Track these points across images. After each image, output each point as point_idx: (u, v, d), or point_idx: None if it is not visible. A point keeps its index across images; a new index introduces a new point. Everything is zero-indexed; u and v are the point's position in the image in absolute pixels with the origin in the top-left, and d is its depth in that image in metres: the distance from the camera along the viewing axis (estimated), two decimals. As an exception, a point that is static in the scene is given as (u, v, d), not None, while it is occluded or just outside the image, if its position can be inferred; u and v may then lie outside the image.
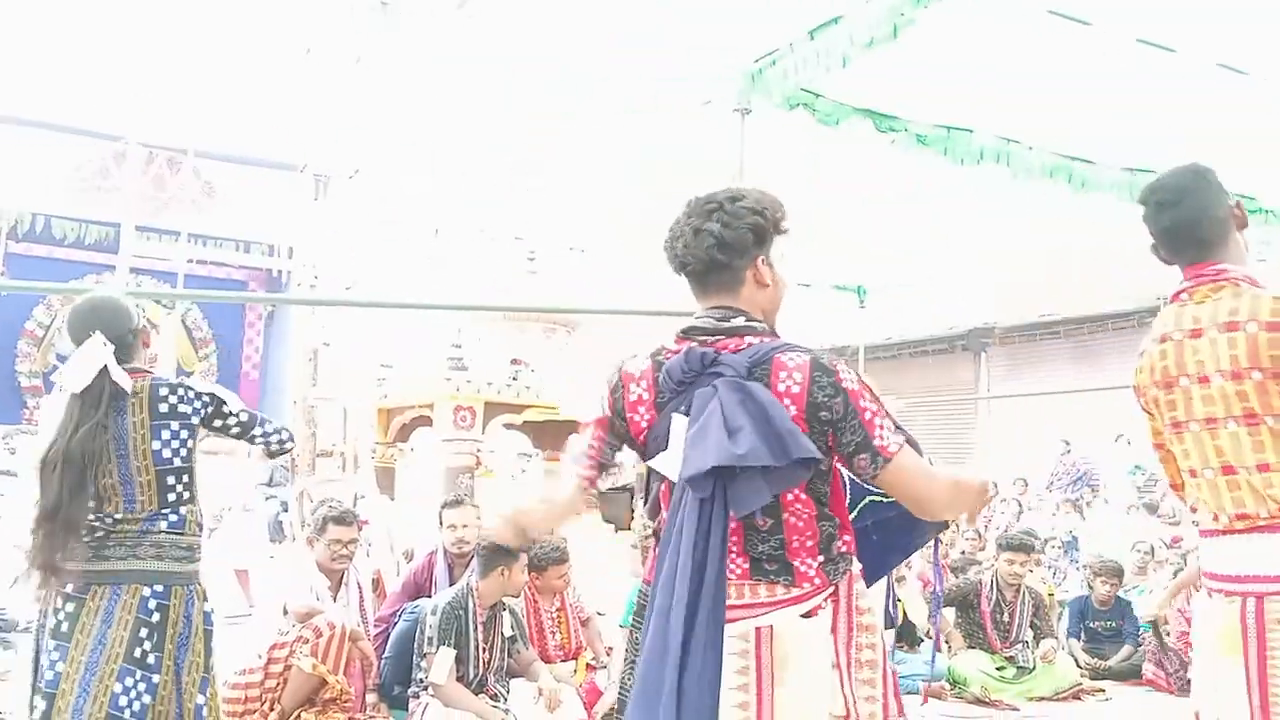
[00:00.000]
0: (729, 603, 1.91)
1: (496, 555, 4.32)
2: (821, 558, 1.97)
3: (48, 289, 13.03)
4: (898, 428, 1.99)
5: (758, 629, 1.92)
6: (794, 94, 5.10)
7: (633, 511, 7.06)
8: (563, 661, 4.90)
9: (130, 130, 10.06)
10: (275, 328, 14.86)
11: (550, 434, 7.87)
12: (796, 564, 1.95)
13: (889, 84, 5.11)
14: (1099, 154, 5.98)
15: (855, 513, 2.20)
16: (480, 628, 4.32)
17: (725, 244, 1.98)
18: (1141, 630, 6.59)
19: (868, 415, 1.92)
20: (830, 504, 2.00)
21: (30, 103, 11.31)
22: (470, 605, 4.32)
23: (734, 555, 1.96)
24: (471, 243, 10.23)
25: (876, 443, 1.91)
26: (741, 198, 2.03)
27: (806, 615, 1.95)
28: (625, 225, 8.60)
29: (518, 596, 4.60)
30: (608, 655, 5.11)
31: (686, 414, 1.91)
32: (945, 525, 2.43)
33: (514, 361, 6.46)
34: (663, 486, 2.05)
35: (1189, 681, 6.10)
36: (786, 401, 1.90)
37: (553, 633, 4.96)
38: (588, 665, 4.95)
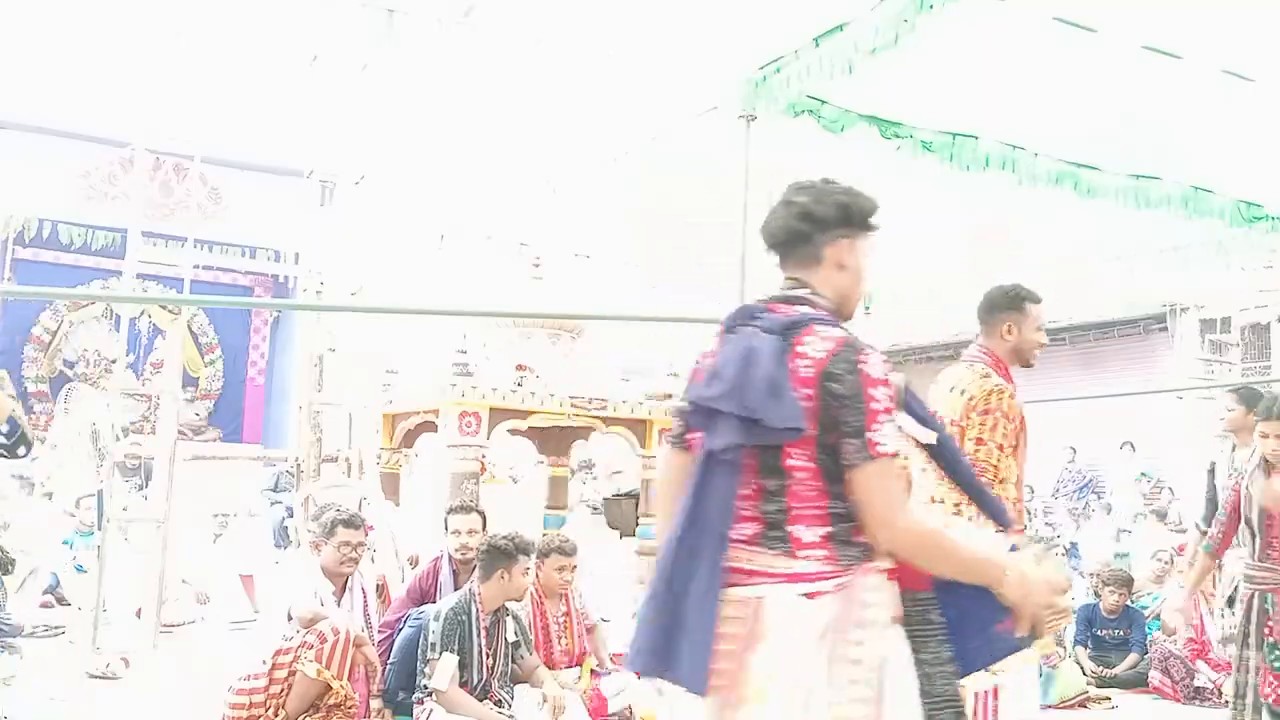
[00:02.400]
0: (734, 565, 1.93)
1: (496, 558, 4.33)
2: (829, 529, 1.93)
3: (54, 294, 13.07)
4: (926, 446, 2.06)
5: (750, 599, 1.92)
6: (799, 100, 5.10)
7: (638, 519, 7.05)
8: (567, 668, 4.89)
9: (137, 136, 10.08)
10: (281, 333, 14.91)
11: (555, 440, 7.87)
12: (795, 530, 1.92)
13: (894, 91, 5.11)
14: (1105, 161, 5.97)
15: None
16: (484, 633, 4.32)
17: (811, 215, 2.07)
18: (1149, 636, 6.56)
19: (874, 405, 1.90)
20: (847, 489, 1.95)
21: (38, 109, 11.37)
22: (473, 611, 4.32)
23: (745, 518, 1.96)
24: (477, 249, 10.24)
25: (869, 435, 1.89)
26: (835, 183, 2.13)
27: (808, 596, 1.90)
28: (631, 231, 8.61)
29: (521, 600, 4.59)
30: (612, 662, 5.10)
31: None
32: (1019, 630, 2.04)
33: (519, 367, 6.45)
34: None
35: (1196, 690, 6.12)
36: (803, 362, 1.92)
37: (559, 637, 4.96)
38: (592, 671, 4.95)
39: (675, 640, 1.87)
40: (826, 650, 1.89)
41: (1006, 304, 3.39)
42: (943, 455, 2.27)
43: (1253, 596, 3.96)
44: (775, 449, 1.92)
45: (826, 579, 1.91)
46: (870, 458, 1.88)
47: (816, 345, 1.93)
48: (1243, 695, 3.98)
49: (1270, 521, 3.90)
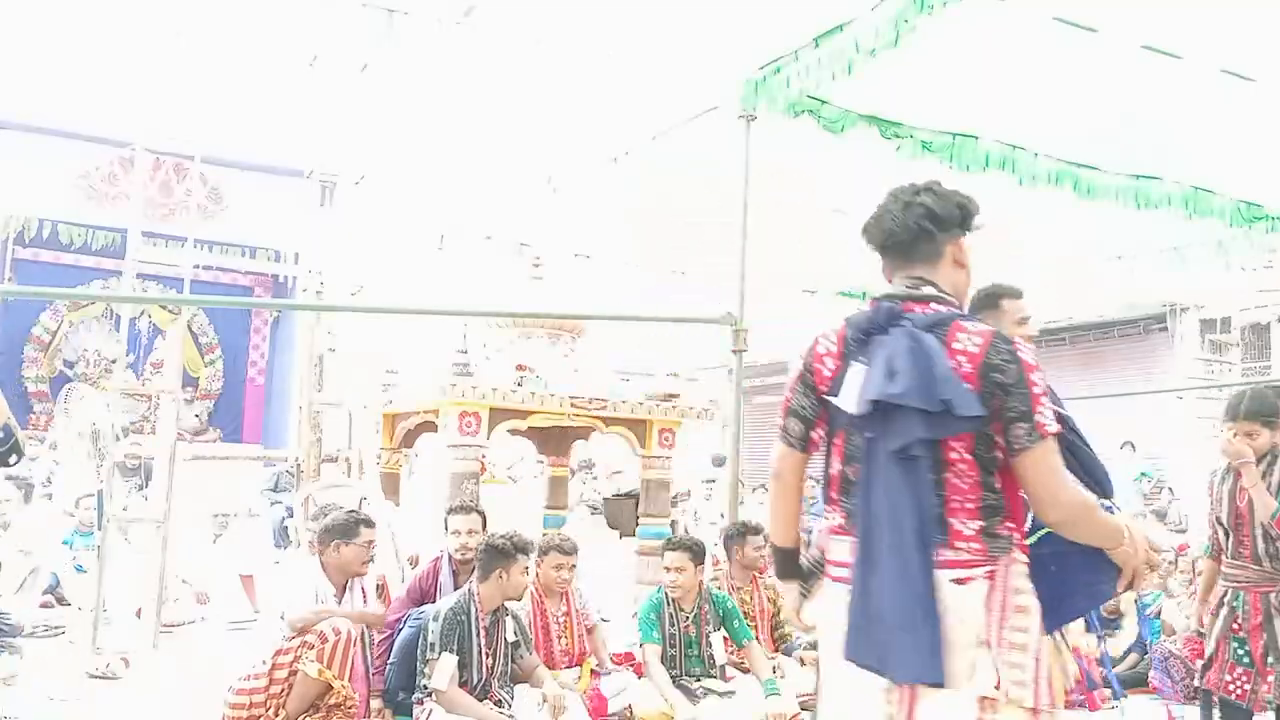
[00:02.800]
0: None
1: (494, 558, 4.33)
2: (981, 523, 2.02)
3: (54, 294, 13.07)
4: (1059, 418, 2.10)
5: None
6: (799, 100, 5.11)
7: (638, 519, 7.04)
8: (567, 668, 4.89)
9: (137, 136, 10.08)
10: (281, 333, 14.90)
11: (554, 440, 7.87)
12: (954, 522, 2.01)
13: (894, 91, 5.11)
14: (1105, 161, 5.97)
15: (1034, 539, 2.20)
16: (483, 633, 4.32)
17: (935, 215, 2.15)
18: (1153, 641, 6.56)
19: (1036, 389, 2.00)
20: (997, 476, 2.04)
21: (38, 109, 11.36)
22: (473, 610, 4.31)
23: None
24: (477, 249, 10.24)
25: (1037, 417, 1.99)
26: (942, 185, 2.22)
27: (958, 582, 2.00)
28: (630, 231, 8.61)
29: (519, 600, 4.59)
30: (613, 662, 5.10)
31: (865, 364, 2.06)
32: (1117, 571, 2.28)
33: (519, 367, 6.45)
34: (835, 440, 2.19)
35: (1196, 690, 6.12)
36: (961, 359, 2.01)
37: (559, 637, 4.95)
38: (592, 671, 4.94)
39: (918, 640, 1.93)
40: (981, 635, 1.98)
41: (980, 304, 3.39)
42: (1069, 429, 2.39)
43: (1225, 593, 3.99)
44: (935, 443, 2.00)
45: (976, 567, 2.01)
46: (1040, 438, 1.98)
47: (969, 341, 2.02)
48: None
49: (1241, 521, 3.92)
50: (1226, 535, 4.00)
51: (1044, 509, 2.04)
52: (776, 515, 2.37)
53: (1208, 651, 4.02)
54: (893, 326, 2.06)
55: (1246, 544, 3.92)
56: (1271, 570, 3.85)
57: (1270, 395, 4.07)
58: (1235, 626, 3.92)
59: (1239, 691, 3.87)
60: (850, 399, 2.05)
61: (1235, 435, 3.89)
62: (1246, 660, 3.86)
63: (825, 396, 2.16)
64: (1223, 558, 4.07)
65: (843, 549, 2.12)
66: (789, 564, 2.39)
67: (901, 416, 1.96)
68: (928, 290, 2.14)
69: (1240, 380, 11.49)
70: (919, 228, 2.15)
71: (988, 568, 2.01)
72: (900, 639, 1.93)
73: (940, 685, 1.94)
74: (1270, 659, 3.81)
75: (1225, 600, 3.99)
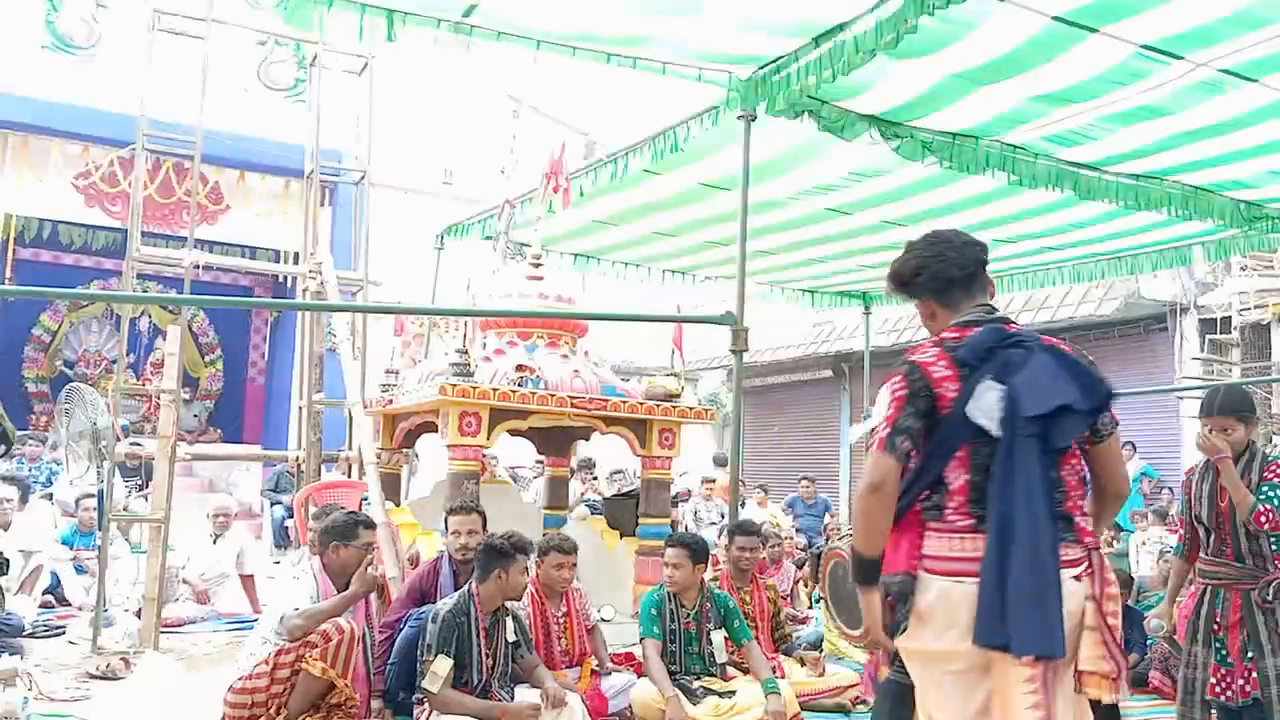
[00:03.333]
0: None
1: (493, 559, 4.33)
2: (1090, 517, 2.38)
3: (54, 294, 13.07)
4: None
5: None
6: (799, 100, 5.10)
7: (638, 518, 7.04)
8: (567, 668, 4.89)
9: (137, 136, 10.07)
10: (281, 333, 14.92)
11: (555, 440, 7.86)
12: (1077, 519, 2.35)
13: (894, 91, 5.11)
14: (1105, 161, 5.97)
15: None
16: (483, 633, 4.32)
17: (985, 250, 2.57)
18: (1150, 643, 6.55)
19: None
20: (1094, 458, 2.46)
21: (38, 109, 11.36)
22: (472, 611, 4.31)
23: None
24: (477, 248, 10.23)
25: (1111, 409, 2.43)
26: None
27: (1075, 579, 2.30)
28: (630, 232, 8.61)
29: (519, 600, 4.59)
30: (613, 663, 5.10)
31: (994, 380, 2.31)
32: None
33: (519, 368, 6.44)
34: (957, 454, 2.36)
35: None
36: None
37: (559, 638, 4.96)
38: (592, 672, 4.95)
39: (1048, 616, 2.20)
40: (1090, 620, 2.30)
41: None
42: None
43: (1204, 590, 3.98)
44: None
45: (1084, 562, 2.33)
46: (1116, 424, 2.45)
47: (1063, 348, 2.43)
48: (1191, 691, 3.97)
49: (1223, 519, 3.91)
50: (1208, 533, 3.98)
51: (1118, 484, 2.49)
52: (874, 526, 2.40)
53: (1196, 659, 3.97)
54: (1010, 344, 2.36)
55: (1229, 542, 3.90)
56: (1253, 568, 3.85)
57: (1245, 391, 4.07)
58: (1215, 627, 3.90)
59: (1230, 694, 3.86)
60: (991, 412, 2.27)
61: (1211, 431, 3.88)
62: (1231, 661, 3.85)
63: (942, 421, 2.36)
64: (1200, 555, 4.05)
65: (965, 545, 2.32)
66: (874, 572, 2.45)
67: (1067, 416, 2.28)
68: (1000, 314, 2.48)
69: (1241, 381, 11.48)
70: (979, 262, 2.51)
71: (1090, 561, 2.33)
72: (1032, 615, 2.16)
73: (1061, 656, 2.21)
74: (1249, 654, 3.79)
75: (1205, 598, 3.97)
